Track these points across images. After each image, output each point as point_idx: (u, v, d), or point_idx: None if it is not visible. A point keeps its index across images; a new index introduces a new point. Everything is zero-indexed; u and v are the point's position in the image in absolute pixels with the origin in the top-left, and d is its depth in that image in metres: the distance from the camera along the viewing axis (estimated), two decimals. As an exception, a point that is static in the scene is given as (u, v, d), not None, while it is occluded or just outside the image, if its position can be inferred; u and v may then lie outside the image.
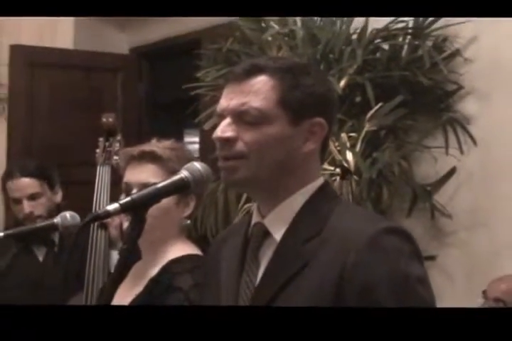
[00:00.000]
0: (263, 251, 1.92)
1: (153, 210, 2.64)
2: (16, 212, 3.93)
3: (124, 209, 1.83)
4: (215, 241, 2.19)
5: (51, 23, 6.94)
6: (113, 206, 1.82)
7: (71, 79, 6.55)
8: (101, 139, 3.86)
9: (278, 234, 1.89)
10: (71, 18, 6.77)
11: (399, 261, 1.76)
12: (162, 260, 2.71)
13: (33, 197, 3.87)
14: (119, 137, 3.86)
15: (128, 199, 1.84)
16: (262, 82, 1.87)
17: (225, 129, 1.86)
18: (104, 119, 3.90)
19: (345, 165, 4.16)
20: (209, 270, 2.11)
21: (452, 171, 4.37)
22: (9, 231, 2.80)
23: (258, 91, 1.86)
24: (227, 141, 1.86)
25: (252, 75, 1.88)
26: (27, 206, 3.84)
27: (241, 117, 1.86)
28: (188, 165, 1.90)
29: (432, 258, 4.41)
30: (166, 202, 2.65)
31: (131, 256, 2.04)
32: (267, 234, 1.92)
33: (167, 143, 2.75)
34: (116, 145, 3.81)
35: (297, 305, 1.77)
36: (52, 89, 6.52)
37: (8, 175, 3.98)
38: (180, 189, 1.90)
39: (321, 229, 1.84)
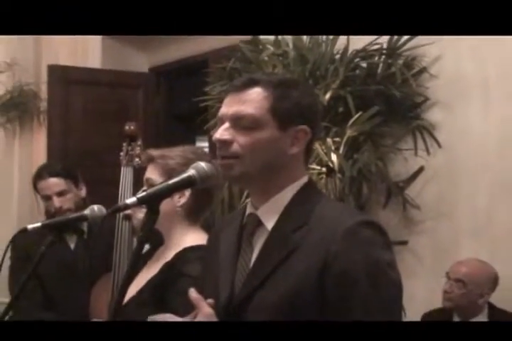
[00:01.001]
0: (256, 238, 1.93)
1: None
2: (48, 208, 3.92)
3: (140, 202, 1.81)
4: (214, 230, 2.19)
5: (83, 45, 6.95)
6: (131, 199, 1.82)
7: (99, 93, 6.56)
8: (124, 144, 3.86)
9: (269, 224, 1.90)
10: (99, 41, 6.79)
11: (372, 249, 1.78)
12: (177, 247, 2.69)
13: (61, 194, 3.86)
14: (139, 142, 3.86)
15: (143, 193, 1.83)
16: (256, 93, 1.88)
17: (223, 133, 1.87)
18: (126, 127, 3.91)
19: (331, 165, 4.16)
20: (209, 253, 2.10)
21: (420, 170, 4.37)
22: (46, 222, 2.80)
23: (253, 100, 1.87)
24: (225, 143, 1.86)
25: (249, 87, 1.89)
26: (56, 202, 3.83)
27: (237, 122, 1.87)
28: (195, 164, 1.89)
29: (404, 243, 4.42)
30: None
31: (153, 242, 2.05)
32: (259, 223, 1.92)
33: (184, 148, 2.74)
34: (137, 149, 3.81)
35: (286, 286, 1.79)
36: (84, 102, 6.52)
37: (38, 176, 3.96)
38: (188, 185, 1.88)
39: (306, 220, 1.85)
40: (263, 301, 1.82)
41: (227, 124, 1.88)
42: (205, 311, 1.79)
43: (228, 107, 1.90)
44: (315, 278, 1.77)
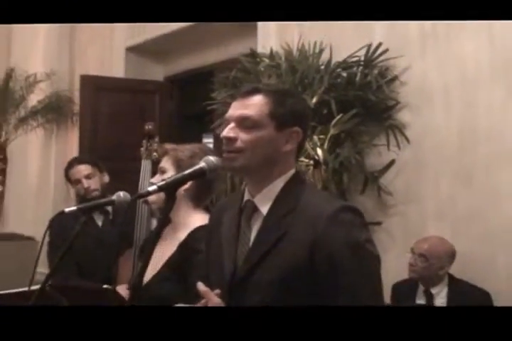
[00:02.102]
0: (253, 221, 1.93)
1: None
2: (78, 190, 3.93)
3: (160, 189, 1.83)
4: (215, 209, 2.19)
5: (109, 58, 6.96)
6: (153, 187, 1.84)
7: (123, 98, 6.58)
8: (144, 141, 3.86)
9: (264, 209, 1.91)
10: (123, 54, 6.80)
11: (352, 229, 1.80)
12: (186, 227, 2.69)
13: (88, 177, 3.88)
14: (156, 139, 3.86)
15: (163, 182, 1.85)
16: (258, 99, 1.90)
17: (229, 131, 1.89)
18: (146, 127, 3.91)
19: (316, 158, 4.14)
20: (212, 230, 2.10)
21: (392, 162, 4.32)
22: (80, 206, 2.79)
23: (255, 105, 1.89)
24: (230, 139, 1.88)
25: (252, 94, 1.91)
26: (85, 183, 3.85)
27: (241, 123, 1.89)
28: (205, 158, 1.92)
29: (379, 223, 4.39)
30: None
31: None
32: (256, 209, 1.93)
33: (194, 145, 2.74)
34: (155, 145, 3.81)
35: (281, 262, 1.80)
36: (110, 106, 6.55)
37: (69, 165, 4.00)
38: (200, 175, 1.91)
39: (295, 206, 1.86)
40: (262, 276, 1.83)
41: (232, 124, 1.90)
42: (213, 301, 1.78)
43: (234, 110, 1.92)
44: (305, 255, 1.78)
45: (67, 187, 4.17)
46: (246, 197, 1.97)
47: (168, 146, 2.74)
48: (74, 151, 6.58)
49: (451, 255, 3.76)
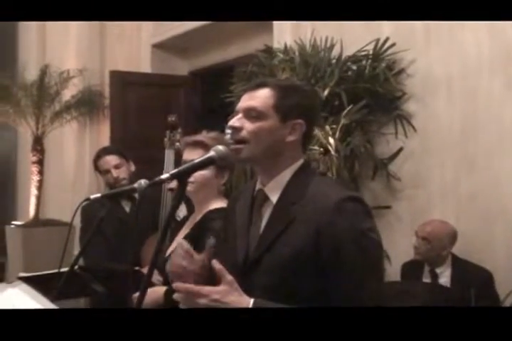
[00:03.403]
0: (264, 209, 1.94)
1: (201, 180, 2.70)
2: (107, 179, 3.97)
3: (172, 177, 1.82)
4: (232, 197, 2.20)
5: (137, 54, 7.00)
6: (165, 175, 1.82)
7: (150, 92, 6.61)
8: (167, 132, 3.90)
9: (274, 198, 1.91)
10: (149, 51, 6.84)
11: (356, 218, 1.79)
12: (204, 211, 2.76)
13: (117, 167, 3.91)
14: (179, 130, 3.90)
15: (175, 170, 1.84)
16: (264, 92, 1.90)
17: (235, 121, 1.89)
18: (169, 119, 3.95)
19: (329, 147, 4.17)
20: (228, 217, 2.12)
21: (400, 149, 4.35)
22: (104, 193, 2.86)
23: (261, 97, 1.90)
24: (235, 129, 1.88)
25: (260, 87, 1.92)
26: (114, 173, 3.88)
27: (247, 113, 1.89)
28: (215, 147, 1.89)
29: (388, 207, 4.43)
30: (208, 174, 2.71)
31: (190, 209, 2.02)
32: (266, 197, 1.93)
33: (212, 134, 2.78)
34: (178, 136, 3.85)
35: (289, 248, 1.81)
36: (138, 100, 6.58)
37: (97, 156, 4.02)
38: (209, 163, 1.88)
39: (302, 195, 1.86)
40: (271, 261, 1.84)
41: (240, 115, 1.91)
42: (227, 279, 1.78)
43: (243, 102, 1.92)
44: (311, 242, 1.78)
45: (96, 176, 4.20)
46: (258, 186, 1.97)
47: (188, 139, 2.81)
48: (106, 142, 6.63)
49: (453, 237, 3.78)
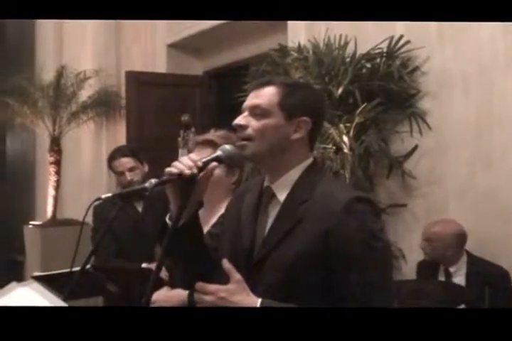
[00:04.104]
0: (271, 207, 1.92)
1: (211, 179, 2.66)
2: (121, 181, 3.97)
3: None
4: (239, 190, 2.17)
5: (152, 55, 7.00)
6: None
7: (165, 92, 6.60)
8: (181, 131, 3.90)
9: (281, 197, 1.89)
10: (165, 51, 6.84)
11: (365, 219, 1.77)
12: (217, 213, 2.72)
13: (131, 170, 3.91)
14: (193, 129, 3.89)
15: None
16: (269, 90, 1.88)
17: (241, 119, 1.88)
18: (182, 118, 3.95)
19: (343, 145, 4.14)
20: (232, 210, 2.09)
21: (415, 147, 4.31)
22: (115, 193, 2.83)
23: (266, 95, 1.88)
24: (241, 127, 1.87)
25: (265, 86, 1.90)
26: (128, 175, 3.89)
27: (253, 111, 1.87)
28: (222, 146, 1.90)
29: (404, 205, 4.39)
30: (218, 173, 2.67)
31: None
32: (273, 195, 1.91)
33: (220, 132, 2.73)
34: (191, 135, 3.84)
35: (295, 248, 1.78)
36: (154, 100, 6.57)
37: (112, 157, 4.02)
38: (216, 162, 1.88)
39: (311, 195, 1.84)
40: (277, 260, 1.82)
41: (246, 113, 1.89)
42: (236, 278, 1.77)
43: (248, 100, 1.91)
44: (319, 243, 1.76)
45: (109, 174, 4.20)
46: (266, 183, 1.95)
47: (198, 138, 2.77)
48: (122, 142, 6.62)
49: (458, 236, 3.74)
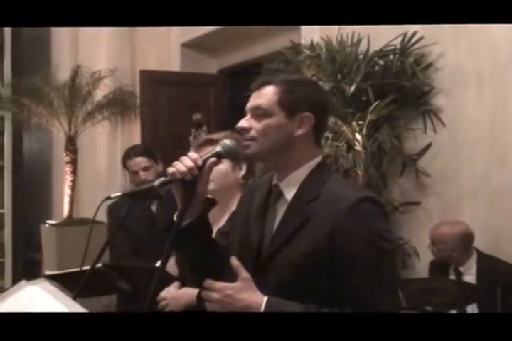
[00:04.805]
0: (278, 205, 1.91)
1: (217, 175, 2.66)
2: (134, 179, 3.98)
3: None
4: (248, 188, 2.16)
5: (166, 54, 7.01)
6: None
7: (179, 91, 6.59)
8: (193, 130, 3.90)
9: (289, 195, 1.88)
10: (179, 50, 6.84)
11: (371, 219, 1.76)
12: (229, 209, 2.70)
13: (145, 169, 3.91)
14: (204, 128, 3.90)
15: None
16: (268, 90, 1.88)
17: (244, 122, 1.88)
18: (194, 116, 3.95)
19: (356, 143, 4.12)
20: (241, 207, 2.08)
21: (429, 145, 4.29)
22: (125, 191, 2.83)
23: (265, 95, 1.87)
24: (244, 129, 1.87)
25: (265, 86, 1.89)
26: (142, 175, 3.88)
27: (254, 112, 1.87)
28: (221, 142, 1.89)
29: (417, 203, 4.37)
30: (223, 169, 2.67)
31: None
32: (281, 194, 1.90)
33: (222, 133, 2.69)
34: (203, 134, 3.84)
35: (302, 247, 1.78)
36: (168, 99, 6.58)
37: (126, 156, 4.02)
38: (217, 158, 1.87)
39: (318, 194, 1.82)
40: (284, 259, 1.81)
41: (248, 115, 1.89)
42: (243, 276, 1.77)
43: (250, 102, 1.90)
44: (325, 242, 1.75)
45: (123, 173, 4.20)
46: (274, 181, 1.94)
47: (205, 137, 2.78)
48: (137, 141, 6.63)
49: (463, 237, 3.71)
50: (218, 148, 1.87)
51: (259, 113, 1.86)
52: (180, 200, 1.87)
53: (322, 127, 1.95)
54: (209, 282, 1.75)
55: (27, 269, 7.88)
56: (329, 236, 1.74)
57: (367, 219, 1.75)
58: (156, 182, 2.62)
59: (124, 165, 4.03)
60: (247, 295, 1.74)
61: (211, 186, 2.64)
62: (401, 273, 4.19)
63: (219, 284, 1.75)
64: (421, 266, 4.05)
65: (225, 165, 2.66)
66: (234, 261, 1.79)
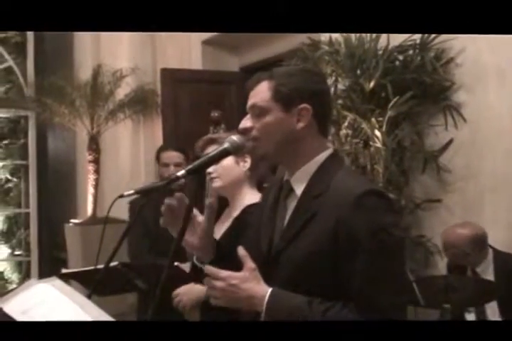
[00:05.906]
0: (289, 201, 1.91)
1: (223, 171, 2.67)
2: (162, 173, 3.98)
3: (188, 173, 1.83)
4: (266, 189, 2.16)
5: (188, 52, 7.02)
6: (181, 172, 1.84)
7: (201, 89, 6.60)
8: (211, 127, 3.90)
9: (298, 191, 1.87)
10: (200, 48, 6.85)
11: (376, 213, 1.73)
12: (241, 204, 2.72)
13: (177, 165, 3.92)
14: (222, 126, 3.90)
15: (191, 165, 1.84)
16: (261, 86, 1.87)
17: (244, 123, 1.88)
18: (212, 114, 3.95)
19: (375, 139, 4.10)
20: (262, 207, 2.08)
21: (450, 141, 4.25)
22: (137, 189, 2.84)
23: (259, 92, 1.86)
24: (245, 130, 1.87)
25: (257, 83, 1.88)
26: (173, 170, 3.89)
27: (252, 112, 1.87)
28: (228, 138, 1.89)
29: (439, 200, 4.33)
30: (228, 164, 2.68)
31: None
32: (292, 189, 1.90)
33: (228, 133, 2.73)
34: (221, 132, 3.84)
35: (311, 241, 1.77)
36: (189, 97, 6.59)
37: (163, 148, 4.06)
38: (225, 154, 1.89)
39: (326, 188, 1.81)
40: (292, 254, 1.81)
41: (248, 116, 1.88)
42: (249, 266, 1.78)
43: (248, 101, 1.89)
44: (330, 236, 1.74)
45: (146, 172, 4.23)
46: (285, 177, 1.94)
47: (214, 136, 2.81)
48: (159, 138, 6.69)
49: (474, 240, 3.59)
50: (226, 145, 1.87)
51: (257, 112, 1.85)
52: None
53: (324, 114, 1.91)
54: (214, 270, 1.76)
55: (53, 268, 7.96)
56: (333, 231, 1.73)
57: (370, 212, 1.72)
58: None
59: (157, 157, 4.05)
60: (252, 285, 1.75)
61: (219, 183, 2.69)
62: (423, 272, 4.17)
63: (224, 273, 1.76)
64: (443, 264, 4.02)
65: (228, 161, 2.67)
66: (240, 250, 1.80)
